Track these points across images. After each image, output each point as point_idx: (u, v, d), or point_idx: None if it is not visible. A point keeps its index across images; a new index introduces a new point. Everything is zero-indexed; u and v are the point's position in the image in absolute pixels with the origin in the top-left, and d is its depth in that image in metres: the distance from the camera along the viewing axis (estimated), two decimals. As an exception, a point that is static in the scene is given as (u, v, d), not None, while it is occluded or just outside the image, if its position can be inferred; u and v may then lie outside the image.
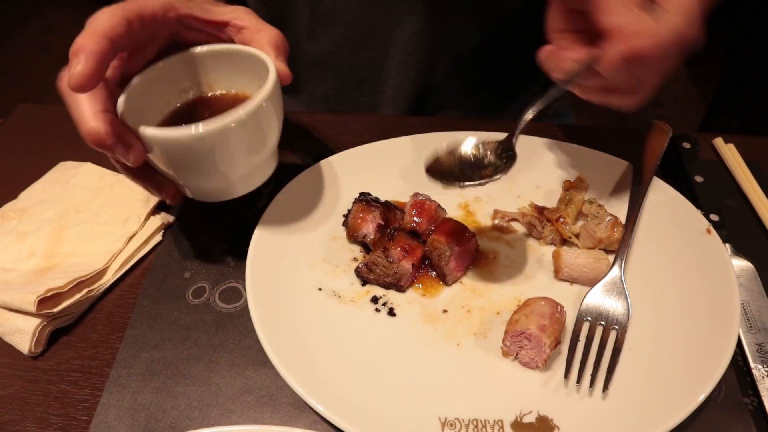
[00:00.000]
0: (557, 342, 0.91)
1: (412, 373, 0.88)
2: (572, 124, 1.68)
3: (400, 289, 1.02)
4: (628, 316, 0.95)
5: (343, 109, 1.58)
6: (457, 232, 1.03)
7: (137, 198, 1.21)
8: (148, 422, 0.91)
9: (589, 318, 0.95)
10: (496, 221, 1.13)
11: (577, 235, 1.09)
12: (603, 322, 0.94)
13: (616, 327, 0.94)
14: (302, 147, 1.33)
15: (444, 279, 1.03)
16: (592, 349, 0.92)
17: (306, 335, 0.95)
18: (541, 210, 1.11)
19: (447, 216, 1.11)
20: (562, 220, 1.08)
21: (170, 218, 1.22)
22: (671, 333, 0.94)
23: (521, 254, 1.09)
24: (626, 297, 0.96)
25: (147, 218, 1.19)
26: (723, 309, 0.93)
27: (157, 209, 1.23)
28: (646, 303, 0.98)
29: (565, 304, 0.95)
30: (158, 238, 1.18)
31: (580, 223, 1.11)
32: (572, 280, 1.04)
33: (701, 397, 0.83)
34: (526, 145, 1.24)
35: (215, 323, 1.04)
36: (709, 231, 1.04)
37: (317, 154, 1.23)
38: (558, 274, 1.04)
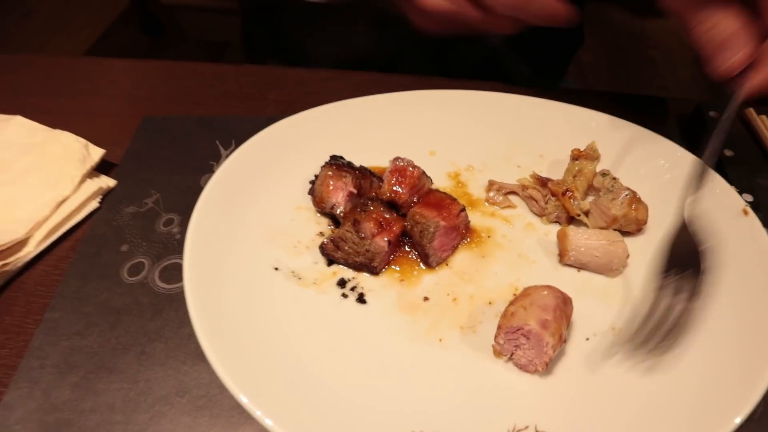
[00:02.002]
0: (562, 341, 0.74)
1: (384, 375, 0.75)
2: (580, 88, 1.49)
3: (373, 271, 0.85)
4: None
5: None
6: (445, 204, 0.86)
7: (72, 157, 1.03)
8: (58, 428, 0.74)
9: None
10: (492, 194, 0.96)
11: (586, 213, 0.92)
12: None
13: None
14: (271, 101, 1.15)
15: (426, 260, 0.86)
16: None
17: (255, 325, 0.78)
18: (544, 182, 0.94)
19: (433, 186, 0.93)
20: (569, 194, 0.91)
21: (111, 182, 1.05)
22: (708, 343, 0.77)
23: (520, 233, 0.92)
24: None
25: (82, 181, 1.01)
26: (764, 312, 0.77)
27: (96, 171, 1.05)
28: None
29: (570, 295, 0.78)
30: (94, 204, 1.01)
31: (591, 198, 0.93)
32: (580, 266, 0.87)
33: (737, 420, 0.67)
34: (529, 107, 1.06)
35: (152, 306, 0.87)
36: (745, 212, 0.87)
37: (285, 110, 1.04)
38: (563, 258, 0.87)
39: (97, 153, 1.05)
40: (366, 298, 0.84)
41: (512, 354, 0.76)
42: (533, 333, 0.72)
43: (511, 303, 0.77)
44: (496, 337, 0.76)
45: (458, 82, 1.15)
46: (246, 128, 1.05)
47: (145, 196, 1.03)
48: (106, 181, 1.04)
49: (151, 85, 1.26)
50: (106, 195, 1.04)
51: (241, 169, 0.94)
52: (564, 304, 0.76)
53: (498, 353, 0.77)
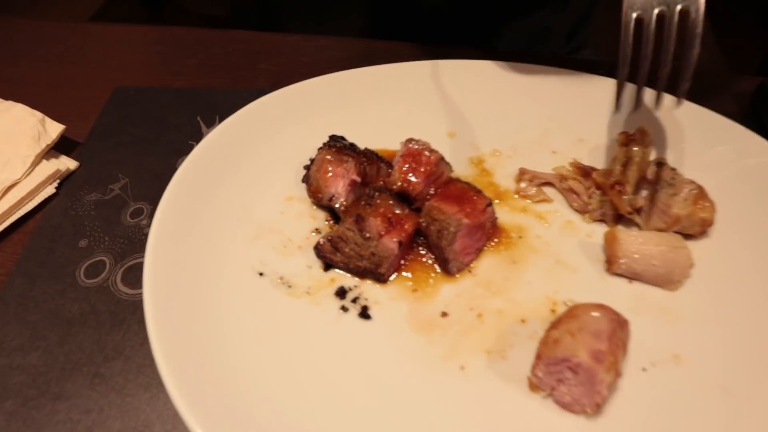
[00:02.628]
0: (617, 376, 0.58)
1: (391, 411, 0.61)
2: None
3: (380, 279, 0.70)
4: None
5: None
6: (468, 198, 0.71)
7: (25, 134, 0.88)
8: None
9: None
10: (523, 185, 0.80)
11: (638, 210, 0.75)
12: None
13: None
14: (261, 71, 0.98)
15: (445, 266, 0.70)
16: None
17: (232, 346, 0.63)
18: (587, 172, 0.78)
19: (453, 175, 0.77)
20: (619, 187, 0.74)
21: (72, 164, 0.89)
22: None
23: (557, 234, 0.76)
24: None
25: (36, 162, 0.86)
26: None
27: (55, 150, 0.89)
28: (738, 316, 0.66)
29: (622, 313, 0.62)
30: (50, 190, 0.86)
31: (644, 193, 0.77)
32: (632, 276, 0.71)
33: None
34: (566, 82, 0.90)
35: (112, 316, 0.73)
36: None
37: (277, 82, 0.88)
38: (612, 266, 0.71)
39: (54, 129, 0.90)
40: (370, 312, 0.69)
41: (553, 389, 0.60)
42: (584, 367, 0.56)
43: (554, 326, 0.61)
44: (534, 367, 0.60)
45: (481, 51, 0.98)
46: (232, 102, 0.91)
47: (112, 181, 0.88)
48: (66, 163, 0.89)
49: (125, 51, 1.10)
50: (65, 179, 0.89)
51: (221, 150, 0.78)
52: (620, 329, 0.60)
53: (535, 387, 0.61)
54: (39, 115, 0.90)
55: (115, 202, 0.85)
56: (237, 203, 0.75)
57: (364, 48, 1.04)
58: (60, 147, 0.91)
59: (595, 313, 0.60)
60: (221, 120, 0.84)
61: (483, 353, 0.66)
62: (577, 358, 0.57)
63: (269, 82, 0.97)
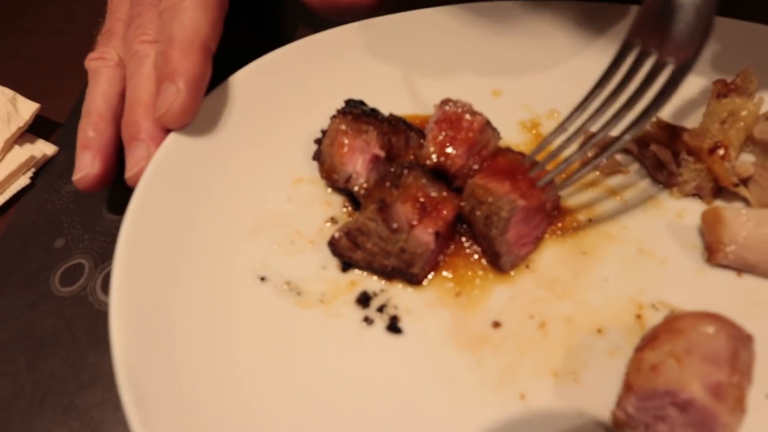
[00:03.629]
0: (743, 414, 0.42)
1: None
2: None
3: (413, 280, 0.55)
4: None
5: None
6: (522, 173, 0.54)
7: (-6, 114, 0.74)
8: None
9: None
10: (591, 153, 0.63)
11: (746, 181, 0.58)
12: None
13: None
14: (266, 25, 0.83)
15: (496, 261, 0.55)
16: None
17: (228, 373, 0.50)
18: (674, 132, 0.61)
19: (501, 143, 0.61)
20: (720, 151, 0.57)
21: (49, 149, 0.77)
22: None
23: (638, 215, 0.60)
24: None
25: (7, 149, 0.74)
26: None
27: (30, 133, 0.77)
28: None
29: (729, 316, 0.46)
30: (24, 181, 0.74)
31: (752, 158, 0.60)
32: (743, 268, 0.55)
33: None
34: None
35: (90, 332, 0.63)
36: None
37: (285, 36, 0.73)
38: (715, 254, 0.54)
39: (28, 109, 0.77)
40: (402, 324, 0.54)
41: (647, 428, 0.44)
42: (698, 406, 0.41)
43: (649, 344, 0.45)
44: (621, 400, 0.45)
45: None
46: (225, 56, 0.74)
47: (95, 168, 0.74)
48: (42, 148, 0.77)
49: (113, 16, 0.95)
50: (42, 167, 0.75)
51: (211, 123, 0.63)
52: (743, 348, 0.44)
53: (622, 424, 0.46)
54: (9, 92, 0.77)
55: (97, 192, 0.72)
56: (231, 189, 0.61)
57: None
58: (36, 129, 0.78)
59: (707, 328, 0.44)
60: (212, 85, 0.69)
61: (549, 375, 0.51)
62: (688, 392, 0.41)
63: (275, 37, 0.81)
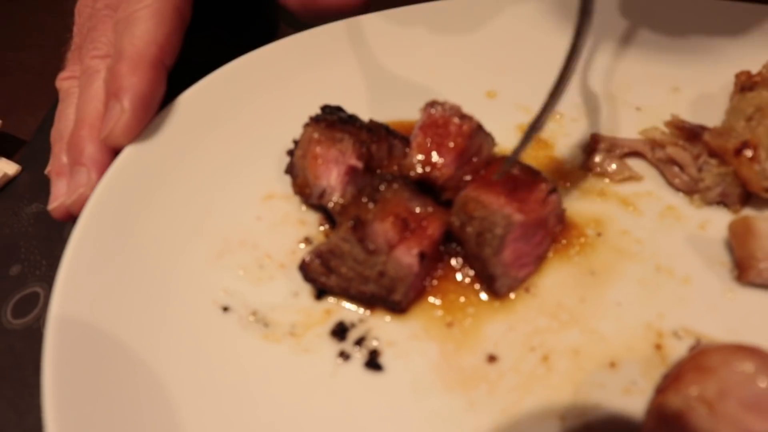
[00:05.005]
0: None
1: None
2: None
3: (396, 308, 0.48)
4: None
5: None
6: (520, 183, 0.48)
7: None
8: None
9: None
10: (598, 158, 0.57)
11: (779, 185, 0.50)
12: None
13: None
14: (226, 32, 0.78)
15: (491, 284, 0.48)
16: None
17: (183, 417, 0.43)
18: (695, 132, 0.54)
19: (497, 150, 0.54)
20: (747, 151, 0.49)
21: (11, 168, 0.72)
22: None
23: (655, 227, 0.54)
24: None
25: (-35, 167, 0.68)
26: None
27: (-9, 150, 0.72)
28: None
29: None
30: None
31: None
32: (779, 287, 0.47)
33: None
34: (649, 9, 0.65)
35: (40, 369, 0.53)
36: None
37: (249, 43, 0.67)
38: (746, 272, 0.47)
39: (-13, 125, 0.71)
40: (382, 359, 0.47)
41: (674, 485, 0.37)
42: (736, 465, 0.33)
43: (673, 385, 0.38)
44: (640, 453, 0.37)
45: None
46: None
47: (58, 187, 0.68)
48: (4, 168, 0.71)
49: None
50: (3, 188, 0.70)
51: (174, 132, 0.57)
52: (790, 389, 0.36)
53: (642, 480, 0.38)
54: (-32, 109, 0.72)
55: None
56: (194, 208, 0.55)
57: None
58: (2, 148, 0.73)
59: (744, 365, 0.36)
60: (173, 91, 0.63)
61: (553, 419, 0.43)
62: (724, 448, 0.33)
63: (245, 38, 0.76)
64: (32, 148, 0.74)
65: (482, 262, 0.48)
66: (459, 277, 0.50)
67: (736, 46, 0.63)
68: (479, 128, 0.53)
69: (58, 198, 0.56)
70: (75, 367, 0.44)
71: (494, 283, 0.48)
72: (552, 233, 0.51)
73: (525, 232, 0.48)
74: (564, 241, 0.52)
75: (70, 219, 0.56)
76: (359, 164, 0.52)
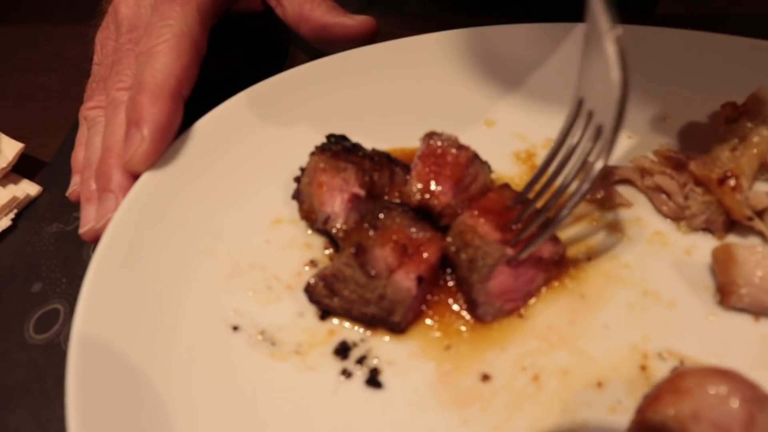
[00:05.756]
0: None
1: None
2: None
3: (395, 328, 0.50)
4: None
5: None
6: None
7: (-23, 155, 0.73)
8: None
9: None
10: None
11: (761, 213, 0.53)
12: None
13: None
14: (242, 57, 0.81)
15: (474, 310, 0.52)
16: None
17: (195, 430, 0.45)
18: (681, 161, 0.57)
19: (494, 176, 0.57)
20: (731, 181, 0.52)
21: (33, 189, 0.75)
22: None
23: (643, 253, 0.56)
24: None
25: (-9, 189, 0.72)
26: None
27: (14, 173, 0.75)
28: None
29: (751, 372, 0.41)
30: (6, 222, 0.72)
31: (766, 187, 0.55)
32: (760, 312, 0.50)
33: None
34: (637, 39, 0.68)
35: (60, 384, 0.57)
36: None
37: (264, 69, 0.71)
38: (728, 297, 0.50)
39: (11, 149, 0.75)
40: (382, 377, 0.50)
41: (653, 500, 0.39)
42: (707, 482, 0.35)
43: (651, 405, 0.40)
44: (621, 469, 0.40)
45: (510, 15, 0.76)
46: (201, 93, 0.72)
47: (76, 208, 0.72)
48: (26, 188, 0.75)
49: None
50: (25, 208, 0.73)
51: (189, 158, 0.60)
52: (761, 411, 0.38)
53: (624, 495, 0.41)
54: (-5, 133, 0.75)
55: (77, 233, 0.69)
56: (208, 231, 0.58)
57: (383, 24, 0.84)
58: (22, 168, 0.76)
59: (717, 388, 0.38)
60: (188, 121, 0.67)
61: (543, 436, 0.46)
62: (695, 466, 0.36)
63: (252, 69, 0.79)
64: (53, 170, 0.78)
65: (469, 287, 0.51)
66: (456, 298, 0.53)
67: (724, 77, 0.65)
68: (475, 157, 0.56)
69: (89, 222, 0.60)
70: (95, 382, 0.47)
71: (476, 308, 0.51)
72: (547, 273, 0.53)
73: (516, 268, 0.50)
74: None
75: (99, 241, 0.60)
76: (361, 192, 0.55)
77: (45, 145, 0.81)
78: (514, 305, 0.52)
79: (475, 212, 0.53)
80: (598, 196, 0.59)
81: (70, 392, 0.46)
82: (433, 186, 0.55)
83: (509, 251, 0.49)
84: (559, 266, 0.54)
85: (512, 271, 0.50)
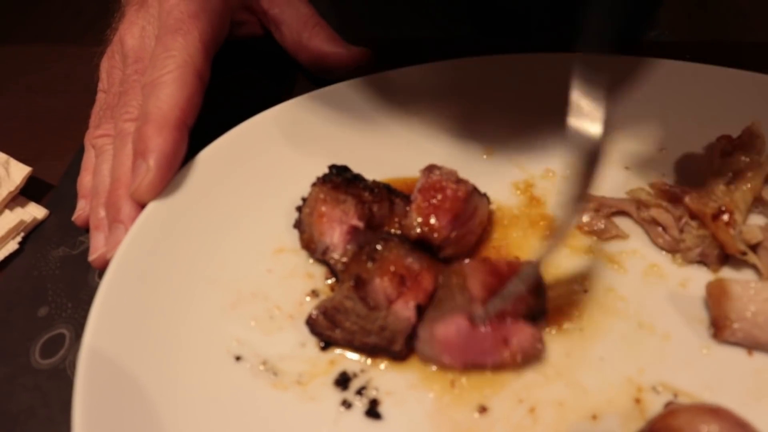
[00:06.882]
0: None
1: None
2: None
3: (397, 357, 0.51)
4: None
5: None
6: (508, 271, 0.52)
7: (-15, 178, 0.74)
8: None
9: None
10: (587, 217, 0.60)
11: (755, 247, 0.54)
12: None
13: None
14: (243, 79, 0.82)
15: (410, 341, 0.53)
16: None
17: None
18: (677, 195, 0.58)
19: (493, 207, 0.59)
20: (725, 216, 0.53)
21: (40, 212, 0.76)
22: None
23: (639, 285, 0.57)
24: None
25: (-1, 212, 0.73)
26: None
27: (22, 196, 0.77)
28: None
29: (743, 406, 0.42)
30: (13, 246, 0.73)
31: (761, 221, 0.56)
32: (752, 346, 0.51)
33: None
34: (636, 72, 0.69)
35: (66, 407, 0.58)
36: None
37: (265, 91, 0.72)
38: (722, 331, 0.51)
39: (19, 173, 0.76)
40: (381, 408, 0.51)
41: None
42: None
43: (644, 443, 0.41)
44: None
45: (514, 44, 0.77)
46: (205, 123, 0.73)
47: (82, 232, 0.73)
48: (33, 212, 0.76)
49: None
50: (32, 231, 0.75)
51: (193, 188, 0.61)
52: (751, 451, 0.39)
53: None
54: (3, 156, 0.77)
55: (83, 258, 0.70)
56: (211, 260, 0.59)
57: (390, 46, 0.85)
58: (29, 191, 0.78)
59: (708, 427, 0.39)
60: (191, 152, 0.68)
61: (539, 469, 0.47)
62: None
63: (253, 100, 0.81)
64: (59, 193, 0.79)
65: (422, 320, 0.52)
66: (453, 330, 0.54)
67: (721, 109, 0.66)
68: (474, 191, 0.58)
69: (98, 250, 0.61)
70: (101, 407, 0.48)
71: (413, 341, 0.52)
72: (511, 350, 0.51)
73: (474, 339, 0.50)
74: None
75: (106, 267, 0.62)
76: (360, 224, 0.56)
77: (52, 167, 0.82)
78: (450, 361, 0.51)
79: (482, 267, 0.53)
80: (596, 227, 0.60)
81: (76, 418, 0.47)
82: (432, 220, 0.56)
83: (478, 309, 0.50)
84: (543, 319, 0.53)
85: (469, 339, 0.50)
